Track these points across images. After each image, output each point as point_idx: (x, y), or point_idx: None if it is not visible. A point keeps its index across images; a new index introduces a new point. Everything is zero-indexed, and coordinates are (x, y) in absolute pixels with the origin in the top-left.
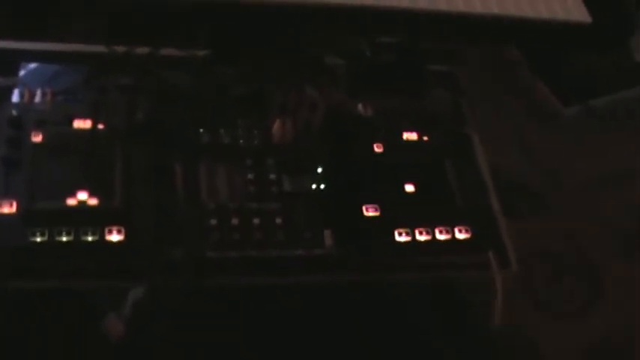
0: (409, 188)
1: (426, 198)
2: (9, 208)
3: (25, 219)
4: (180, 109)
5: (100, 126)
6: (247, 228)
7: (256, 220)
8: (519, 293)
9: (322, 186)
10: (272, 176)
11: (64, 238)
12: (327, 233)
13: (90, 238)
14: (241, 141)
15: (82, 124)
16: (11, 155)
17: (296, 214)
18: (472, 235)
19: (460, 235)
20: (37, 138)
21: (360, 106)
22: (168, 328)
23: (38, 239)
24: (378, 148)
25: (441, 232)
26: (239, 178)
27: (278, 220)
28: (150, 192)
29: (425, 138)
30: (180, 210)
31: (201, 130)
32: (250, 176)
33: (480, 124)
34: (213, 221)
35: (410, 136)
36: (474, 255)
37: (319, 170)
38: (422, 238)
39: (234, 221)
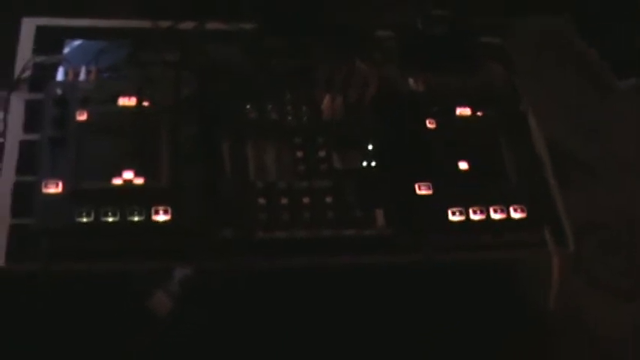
0: (463, 166)
1: (480, 176)
2: (55, 188)
3: (71, 199)
4: (227, 84)
5: (146, 103)
6: (297, 207)
7: (306, 200)
8: (572, 270)
9: (373, 163)
10: (322, 154)
11: (110, 219)
12: (378, 213)
13: (136, 219)
14: (290, 117)
15: (127, 101)
16: (56, 134)
17: (347, 192)
18: (527, 214)
19: (515, 214)
20: (82, 117)
21: (411, 81)
22: (214, 308)
23: (84, 219)
24: (430, 124)
25: (495, 210)
26: (288, 155)
27: (328, 199)
28: (197, 171)
29: (479, 113)
30: (228, 189)
31: (249, 106)
32: (299, 154)
33: (532, 97)
34: (262, 201)
35: (463, 111)
36: (530, 234)
37: (370, 147)
38: (476, 217)
39: (284, 201)
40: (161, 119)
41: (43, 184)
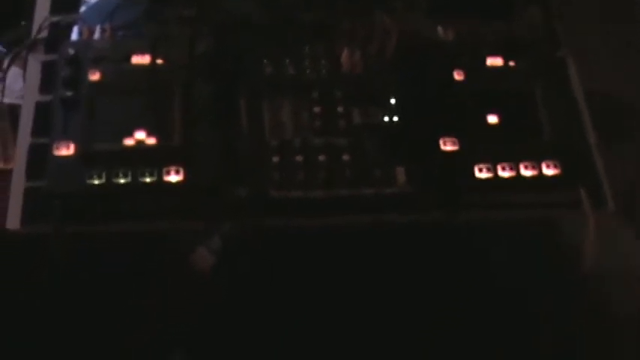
0: (492, 119)
1: (511, 130)
2: (66, 150)
3: (82, 161)
4: (243, 39)
5: (160, 61)
6: (312, 166)
7: (322, 157)
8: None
9: (395, 118)
10: (340, 109)
11: (122, 180)
12: (399, 170)
13: (148, 180)
14: (308, 72)
15: (140, 59)
16: (68, 95)
17: (365, 149)
18: (562, 171)
19: (548, 171)
20: (95, 76)
21: (440, 30)
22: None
23: (95, 182)
24: (458, 76)
25: (526, 167)
26: (305, 111)
27: (345, 157)
28: (211, 129)
29: (511, 63)
30: (242, 147)
31: (265, 61)
32: (316, 109)
33: (582, 47)
34: (276, 159)
35: (494, 61)
36: (564, 192)
37: (392, 101)
38: (505, 174)
39: (299, 158)
40: (175, 77)
41: (55, 146)
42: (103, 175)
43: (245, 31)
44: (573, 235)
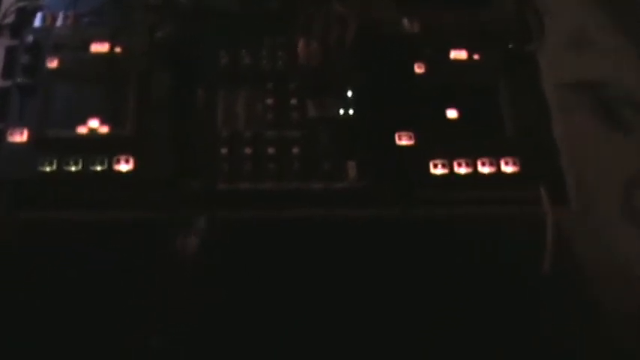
0: (451, 114)
1: (470, 126)
2: (20, 137)
3: (35, 148)
4: (203, 28)
5: (118, 49)
6: (261, 158)
7: (271, 150)
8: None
9: (351, 111)
10: (294, 101)
11: (73, 168)
12: (350, 165)
13: (98, 168)
14: (264, 62)
15: (99, 47)
16: (26, 82)
17: (317, 143)
18: (521, 168)
19: (507, 168)
20: (53, 64)
21: (405, 22)
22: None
23: (47, 169)
24: (419, 69)
25: (483, 164)
26: (259, 103)
27: (295, 150)
28: (164, 120)
29: (475, 57)
30: (194, 138)
31: (222, 51)
32: (270, 101)
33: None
34: (225, 150)
35: (458, 54)
36: (522, 190)
37: (349, 94)
38: (461, 170)
39: (248, 150)
40: (132, 66)
41: (9, 132)
42: (54, 162)
43: (206, 20)
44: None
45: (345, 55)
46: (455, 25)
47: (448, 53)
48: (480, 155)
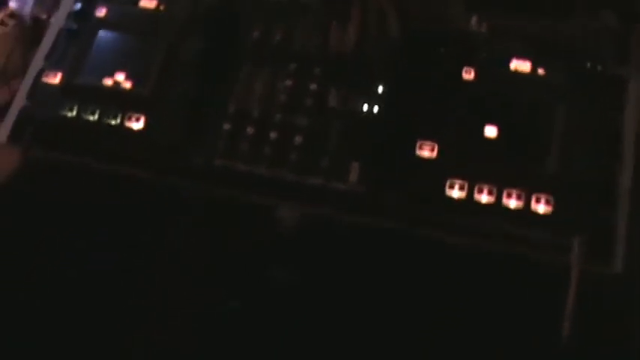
0: (490, 132)
1: (509, 149)
2: (54, 79)
3: (63, 92)
4: (244, 3)
5: (162, 7)
6: (260, 140)
7: (274, 134)
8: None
9: (376, 109)
10: (313, 87)
11: (90, 118)
12: (354, 166)
13: (112, 122)
14: (296, 42)
15: (147, 3)
16: (72, 27)
17: (324, 135)
18: (554, 209)
19: (538, 206)
20: (101, 13)
21: (474, 20)
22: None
23: (68, 114)
24: (467, 74)
25: (510, 195)
26: (278, 83)
27: (298, 139)
28: (185, 86)
29: (540, 71)
30: (204, 110)
31: (255, 25)
32: (288, 83)
33: None
34: (227, 126)
35: (520, 65)
36: (552, 234)
37: (379, 89)
38: (482, 197)
39: (249, 130)
40: (170, 27)
41: (45, 73)
42: (75, 108)
43: None
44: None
45: (383, 46)
46: (527, 31)
47: (509, 62)
48: (509, 185)
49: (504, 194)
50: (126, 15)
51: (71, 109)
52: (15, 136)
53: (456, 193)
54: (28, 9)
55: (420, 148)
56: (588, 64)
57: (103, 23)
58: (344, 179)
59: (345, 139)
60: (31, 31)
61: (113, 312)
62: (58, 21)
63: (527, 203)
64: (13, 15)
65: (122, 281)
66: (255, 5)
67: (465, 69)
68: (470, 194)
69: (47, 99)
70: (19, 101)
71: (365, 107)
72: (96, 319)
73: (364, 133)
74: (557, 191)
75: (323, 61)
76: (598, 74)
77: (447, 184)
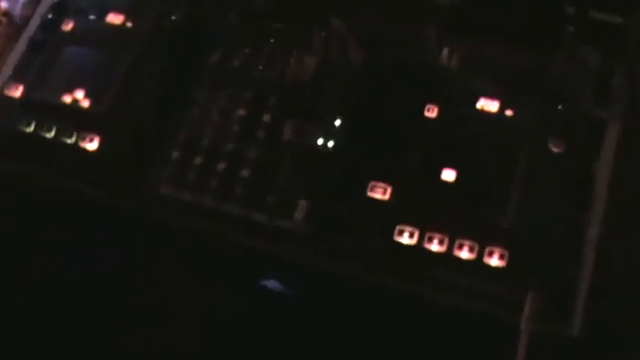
0: (448, 175)
1: (466, 195)
2: (15, 92)
3: (22, 106)
4: (207, 24)
5: (129, 24)
6: (208, 171)
7: (221, 166)
8: None
9: (331, 144)
10: (267, 118)
11: (47, 135)
12: (301, 204)
13: (68, 141)
14: (254, 69)
15: (114, 18)
16: (38, 39)
17: (273, 170)
18: (508, 264)
19: (489, 259)
20: (68, 26)
21: (445, 52)
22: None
23: (26, 129)
24: (429, 112)
25: (461, 246)
26: (232, 112)
27: (244, 172)
28: (140, 108)
29: (508, 112)
30: (158, 134)
31: (217, 48)
32: (242, 112)
33: None
34: (175, 154)
35: (487, 104)
36: (505, 290)
37: (337, 123)
38: (432, 246)
39: (198, 160)
40: (134, 45)
41: (7, 85)
42: (33, 124)
43: (213, 17)
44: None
45: (344, 76)
46: (501, 66)
47: (476, 100)
48: (462, 235)
49: (456, 244)
50: (92, 29)
51: (29, 125)
52: None
53: (405, 240)
54: (18, 8)
55: (372, 189)
56: (561, 106)
57: (69, 37)
58: (289, 217)
59: (296, 175)
60: (21, 31)
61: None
62: (28, 31)
63: (480, 255)
64: (5, 14)
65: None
66: (218, 27)
67: (427, 106)
68: (420, 242)
69: (8, 111)
70: None
71: (320, 141)
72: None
73: (316, 169)
74: (514, 244)
75: (280, 90)
76: (572, 117)
77: (397, 229)
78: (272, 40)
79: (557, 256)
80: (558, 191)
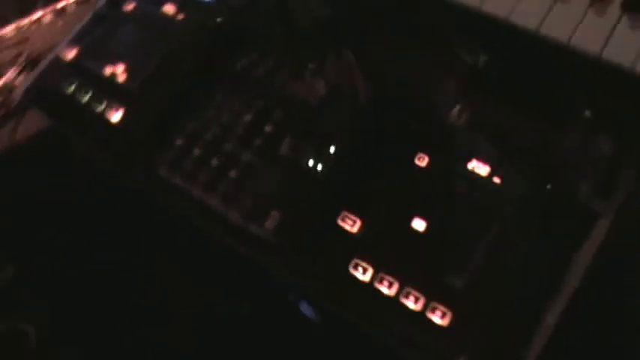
0: (418, 224)
1: (429, 247)
2: (68, 55)
3: (70, 68)
4: (249, 31)
5: (179, 17)
6: (203, 165)
7: (215, 161)
8: None
9: (319, 167)
10: (268, 128)
11: (82, 99)
12: (274, 214)
13: (97, 108)
14: (272, 81)
15: (169, 9)
16: (102, 12)
17: (259, 176)
18: (450, 324)
19: (432, 315)
20: (129, 7)
21: (456, 109)
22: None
23: (67, 90)
24: (419, 160)
25: (408, 295)
26: (241, 115)
27: (232, 173)
28: (166, 92)
29: (496, 179)
30: (172, 122)
31: (249, 54)
32: (248, 118)
33: None
34: (179, 142)
35: (478, 167)
36: (438, 350)
37: (331, 149)
38: (382, 288)
39: (196, 151)
40: (178, 37)
41: (64, 47)
42: (73, 88)
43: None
44: None
45: (348, 107)
46: (507, 132)
47: (468, 160)
48: (411, 284)
49: (404, 292)
50: (148, 14)
51: (70, 86)
52: (29, 95)
53: (359, 275)
54: None
55: (343, 219)
56: (550, 186)
57: (127, 16)
58: (261, 224)
59: (278, 187)
60: None
61: None
62: (98, 4)
63: (425, 308)
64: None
65: None
66: (253, 37)
67: (420, 154)
68: (372, 280)
69: (58, 72)
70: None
71: (311, 162)
72: None
73: (299, 186)
74: (460, 306)
75: (289, 106)
76: (560, 200)
77: (353, 262)
78: (297, 60)
79: (503, 333)
80: (528, 270)
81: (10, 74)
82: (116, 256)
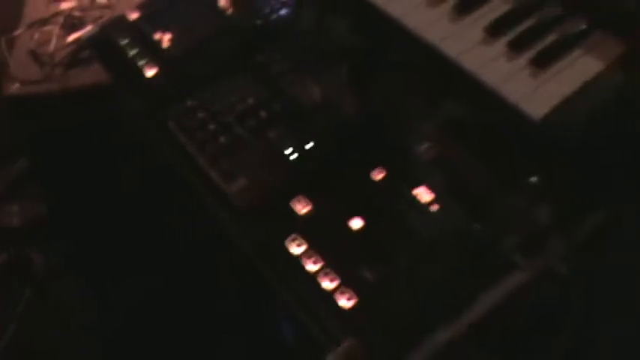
0: (356, 223)
1: (358, 242)
2: (131, 16)
3: (129, 27)
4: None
5: (230, 10)
6: (202, 127)
7: (212, 126)
8: None
9: (294, 155)
10: (263, 114)
11: (130, 52)
12: (241, 180)
13: (139, 62)
14: (284, 78)
15: (224, 3)
16: None
17: (243, 147)
18: (352, 309)
19: (340, 296)
20: None
21: (426, 145)
22: None
23: (122, 42)
24: (377, 174)
25: (327, 275)
26: (246, 98)
27: (222, 139)
28: (197, 64)
29: (434, 207)
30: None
31: (271, 53)
32: (251, 101)
33: None
34: (190, 102)
35: (424, 193)
36: (335, 327)
37: (308, 145)
38: (308, 263)
39: (200, 114)
40: (224, 25)
41: (131, 10)
42: (126, 41)
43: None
44: None
45: (336, 115)
46: (464, 172)
47: (417, 185)
48: (331, 267)
49: (324, 271)
50: (204, 1)
51: (123, 40)
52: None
53: (293, 248)
54: None
55: (298, 200)
56: (478, 226)
57: None
58: (229, 185)
59: (254, 160)
60: None
61: None
62: None
63: (336, 290)
64: None
65: None
66: (281, 39)
67: (379, 168)
68: (302, 256)
69: (119, 28)
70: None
71: (288, 150)
72: None
73: (271, 166)
74: (365, 298)
75: (286, 101)
76: (485, 243)
77: (292, 236)
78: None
79: (394, 332)
80: (436, 290)
81: (88, 30)
82: (138, 203)
